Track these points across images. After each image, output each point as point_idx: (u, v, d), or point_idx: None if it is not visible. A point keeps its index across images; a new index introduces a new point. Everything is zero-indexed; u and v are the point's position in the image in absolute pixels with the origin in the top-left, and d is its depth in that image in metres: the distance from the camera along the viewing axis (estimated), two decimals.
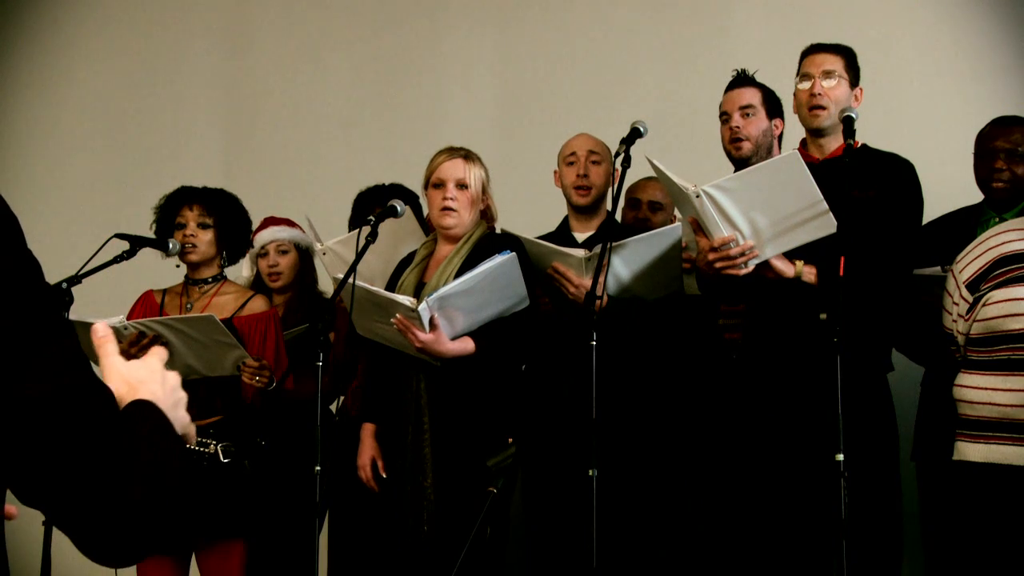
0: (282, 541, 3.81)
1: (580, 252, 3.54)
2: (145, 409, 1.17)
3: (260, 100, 5.69)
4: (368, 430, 3.61)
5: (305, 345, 3.73)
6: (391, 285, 3.59)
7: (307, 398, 3.63)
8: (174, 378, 1.25)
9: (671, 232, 3.53)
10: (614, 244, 3.37)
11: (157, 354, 1.27)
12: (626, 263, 3.52)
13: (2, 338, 1.03)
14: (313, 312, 3.87)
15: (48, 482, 1.05)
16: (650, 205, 4.06)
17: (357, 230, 3.53)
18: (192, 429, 1.27)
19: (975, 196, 3.65)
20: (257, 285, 4.13)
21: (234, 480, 3.55)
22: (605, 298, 3.42)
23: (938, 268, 3.35)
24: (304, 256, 4.17)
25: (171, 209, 3.80)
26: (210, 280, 3.80)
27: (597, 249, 3.38)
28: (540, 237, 3.78)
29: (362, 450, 3.59)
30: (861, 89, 3.54)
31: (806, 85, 3.47)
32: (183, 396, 1.25)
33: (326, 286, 4.13)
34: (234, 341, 3.56)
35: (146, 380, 1.21)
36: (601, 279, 3.26)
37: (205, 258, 3.78)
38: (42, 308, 1.08)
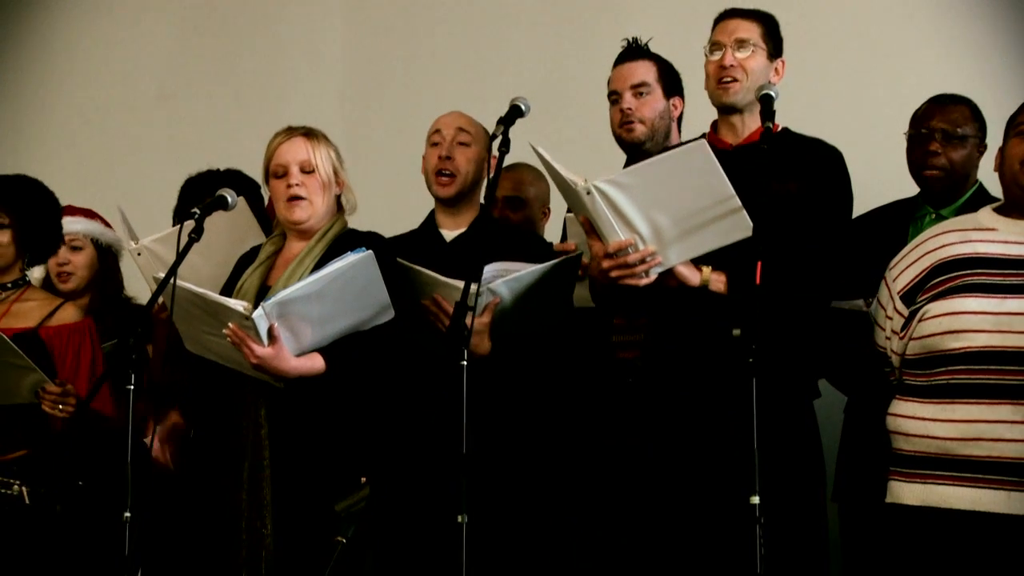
0: None
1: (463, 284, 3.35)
2: None
3: (49, 60, 5.50)
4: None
5: (114, 364, 3.46)
6: (229, 288, 3.28)
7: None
8: None
9: (570, 263, 3.33)
10: (506, 278, 3.20)
11: None
12: (515, 295, 3.29)
13: None
14: (122, 323, 3.70)
15: None
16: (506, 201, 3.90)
17: (178, 226, 3.31)
18: None
19: (912, 188, 3.53)
20: (47, 288, 3.89)
21: (42, 527, 3.42)
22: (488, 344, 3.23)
23: (860, 302, 3.19)
24: (104, 255, 3.97)
25: None
26: (9, 286, 3.57)
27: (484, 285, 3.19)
28: (402, 235, 3.57)
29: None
30: (783, 62, 3.31)
31: (716, 55, 3.26)
32: None
33: (140, 291, 3.90)
34: (29, 363, 3.31)
35: None
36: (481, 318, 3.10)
37: (4, 263, 3.56)
38: None
